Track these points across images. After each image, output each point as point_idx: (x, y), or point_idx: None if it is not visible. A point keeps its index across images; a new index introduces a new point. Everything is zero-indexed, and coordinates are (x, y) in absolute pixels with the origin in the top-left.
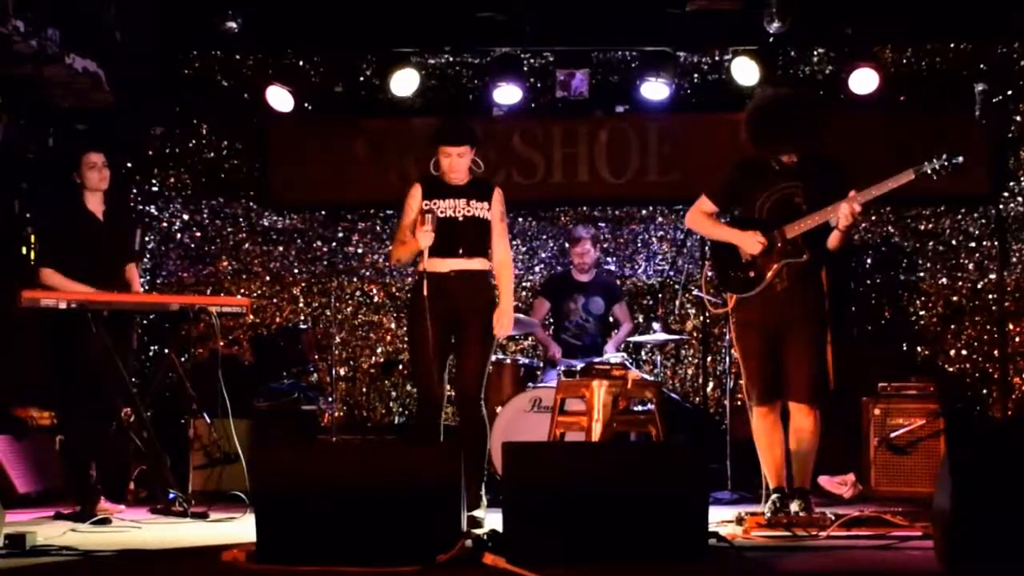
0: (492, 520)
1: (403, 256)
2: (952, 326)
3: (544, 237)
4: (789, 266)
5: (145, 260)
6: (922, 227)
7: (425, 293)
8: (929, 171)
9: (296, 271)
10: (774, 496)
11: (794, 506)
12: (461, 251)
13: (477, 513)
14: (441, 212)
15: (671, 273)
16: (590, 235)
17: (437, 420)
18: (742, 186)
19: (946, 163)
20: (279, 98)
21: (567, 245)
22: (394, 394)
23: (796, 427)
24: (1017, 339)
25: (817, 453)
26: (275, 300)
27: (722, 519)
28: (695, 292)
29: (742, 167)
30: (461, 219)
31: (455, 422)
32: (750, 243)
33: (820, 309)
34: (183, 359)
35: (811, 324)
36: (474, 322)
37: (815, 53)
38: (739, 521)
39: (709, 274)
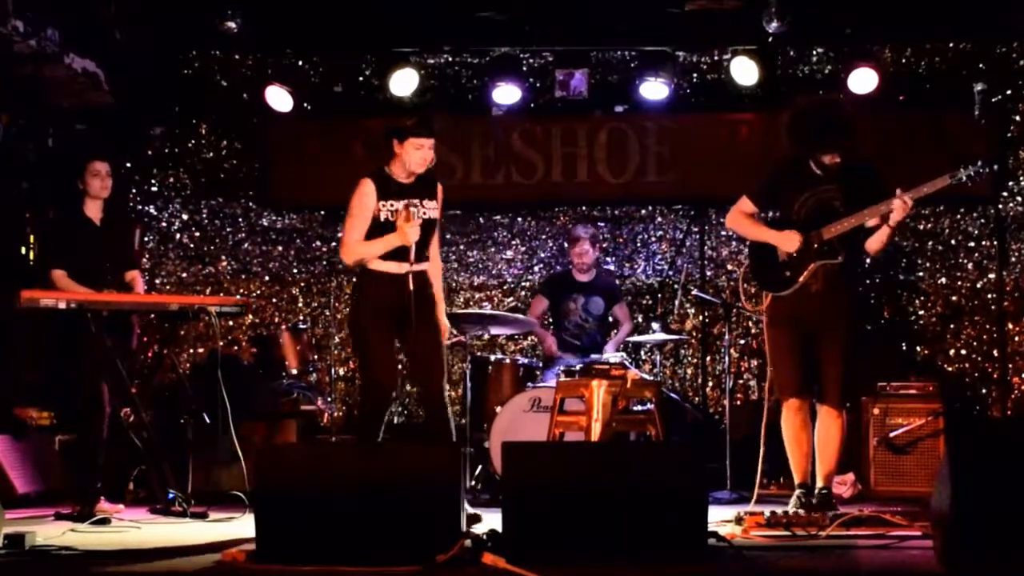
0: (492, 520)
1: (373, 253)
2: (951, 326)
3: (543, 237)
4: (824, 267)
5: (145, 260)
6: (921, 227)
7: (386, 297)
8: (964, 178)
9: (295, 271)
10: (799, 491)
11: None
12: (420, 256)
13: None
14: (395, 216)
15: (670, 273)
16: (589, 235)
17: (384, 417)
18: (781, 188)
19: (981, 170)
20: (278, 98)
21: (566, 245)
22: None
23: (824, 429)
24: (1016, 339)
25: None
26: (274, 300)
27: (721, 519)
28: (695, 292)
29: (782, 169)
30: (420, 222)
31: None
32: (788, 242)
33: (852, 313)
34: (182, 359)
35: (843, 328)
36: (429, 322)
37: (814, 53)
38: (738, 521)
39: (740, 282)
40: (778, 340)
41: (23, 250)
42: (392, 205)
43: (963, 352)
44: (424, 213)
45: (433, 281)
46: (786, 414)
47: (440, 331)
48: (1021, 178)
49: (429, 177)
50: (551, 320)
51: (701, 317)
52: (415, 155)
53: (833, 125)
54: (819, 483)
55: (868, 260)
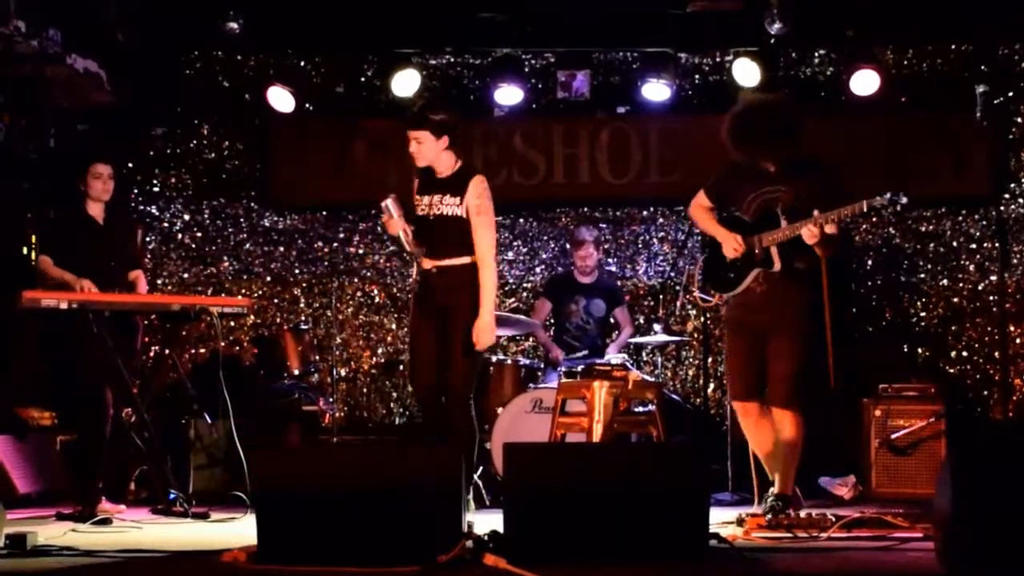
0: (493, 520)
1: (408, 243)
2: (953, 328)
3: (545, 238)
4: (765, 273)
5: (146, 261)
6: (923, 229)
7: (416, 290)
8: (878, 205)
9: (297, 271)
10: (771, 490)
11: (761, 508)
12: (433, 251)
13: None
14: (421, 210)
15: (672, 274)
16: (592, 238)
17: (436, 417)
18: (733, 186)
19: (893, 200)
20: (280, 98)
21: (569, 247)
22: (395, 395)
23: (776, 430)
24: (1018, 341)
25: (799, 458)
26: (276, 300)
27: (723, 520)
28: (695, 292)
29: (735, 166)
30: (431, 218)
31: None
32: (728, 246)
33: (801, 314)
34: (184, 359)
35: (789, 329)
36: (456, 319)
37: (816, 54)
38: (740, 522)
39: (696, 271)
40: (728, 342)
41: (24, 250)
42: (419, 200)
43: (964, 354)
44: (430, 210)
45: (482, 277)
46: (738, 418)
47: (461, 334)
48: (1022, 179)
49: (466, 173)
50: (552, 321)
51: (702, 318)
52: (410, 149)
53: (769, 131)
54: (776, 486)
55: (870, 262)
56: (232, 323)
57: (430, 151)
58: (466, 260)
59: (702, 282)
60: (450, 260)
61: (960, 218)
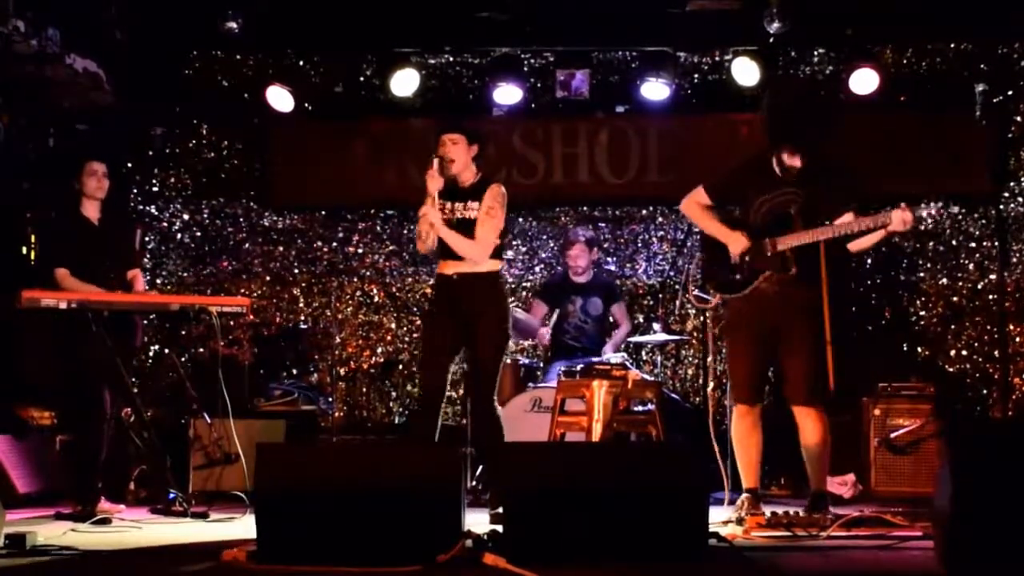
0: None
1: (421, 230)
2: (952, 326)
3: (544, 237)
4: (778, 275)
5: (145, 260)
6: (922, 227)
7: (435, 293)
8: (924, 215)
9: (296, 271)
10: (744, 495)
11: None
12: (454, 255)
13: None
14: (444, 215)
15: (671, 273)
16: (584, 239)
17: (433, 418)
18: (742, 186)
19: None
20: (279, 98)
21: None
22: (394, 394)
23: (801, 429)
24: (1017, 339)
25: (829, 455)
26: (275, 300)
27: (722, 519)
28: (694, 292)
29: (746, 167)
30: (454, 222)
31: (455, 422)
32: (735, 244)
33: (814, 311)
34: (183, 359)
35: (804, 327)
36: (481, 324)
37: (815, 53)
38: (739, 521)
39: (694, 270)
40: (730, 344)
41: (24, 250)
42: (442, 205)
43: (964, 353)
44: (454, 215)
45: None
46: (734, 419)
47: (488, 339)
48: (1022, 178)
49: (484, 181)
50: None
51: (702, 317)
52: (440, 151)
53: (800, 123)
54: (811, 484)
55: (869, 261)
56: (231, 323)
57: (462, 156)
58: (487, 268)
59: (701, 281)
60: (472, 267)
61: (960, 217)
